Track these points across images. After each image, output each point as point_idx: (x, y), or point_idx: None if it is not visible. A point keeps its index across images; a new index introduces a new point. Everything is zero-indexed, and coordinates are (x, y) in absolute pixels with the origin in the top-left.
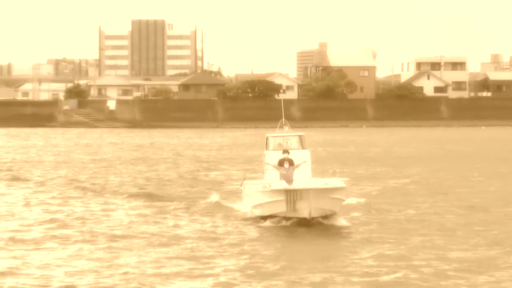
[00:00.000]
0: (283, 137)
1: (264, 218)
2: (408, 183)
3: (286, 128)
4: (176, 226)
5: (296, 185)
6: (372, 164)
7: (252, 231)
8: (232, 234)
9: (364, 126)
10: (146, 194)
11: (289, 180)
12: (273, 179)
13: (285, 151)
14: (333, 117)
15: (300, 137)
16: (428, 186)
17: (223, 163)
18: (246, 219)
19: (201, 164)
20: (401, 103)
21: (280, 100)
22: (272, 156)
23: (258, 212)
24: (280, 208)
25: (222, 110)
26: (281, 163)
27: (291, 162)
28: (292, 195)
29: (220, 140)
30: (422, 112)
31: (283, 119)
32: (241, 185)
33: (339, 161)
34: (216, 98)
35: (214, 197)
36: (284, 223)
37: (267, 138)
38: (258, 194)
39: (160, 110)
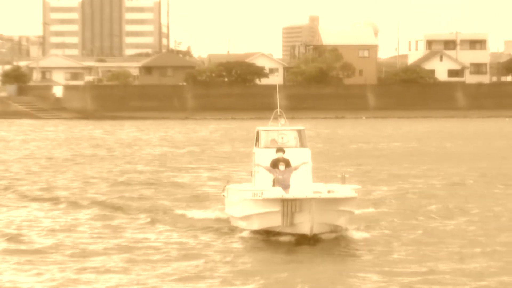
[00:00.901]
0: (277, 132)
1: (254, 232)
2: (435, 187)
3: (282, 121)
4: (146, 240)
5: (295, 193)
6: (392, 164)
7: (240, 247)
8: (217, 251)
9: (364, 117)
10: (102, 203)
11: (285, 187)
12: (265, 185)
13: (280, 150)
14: (326, 106)
15: (299, 132)
16: (467, 191)
17: (195, 163)
18: (231, 233)
19: (166, 163)
20: (408, 90)
21: (263, 86)
22: (264, 156)
23: (246, 225)
24: (274, 222)
25: (192, 98)
26: (275, 164)
27: (287, 164)
28: (289, 206)
29: (190, 133)
30: (434, 101)
31: (278, 108)
32: (223, 190)
33: (347, 160)
34: (184, 84)
35: (191, 205)
36: (279, 238)
37: (257, 133)
38: (246, 203)
39: (116, 97)
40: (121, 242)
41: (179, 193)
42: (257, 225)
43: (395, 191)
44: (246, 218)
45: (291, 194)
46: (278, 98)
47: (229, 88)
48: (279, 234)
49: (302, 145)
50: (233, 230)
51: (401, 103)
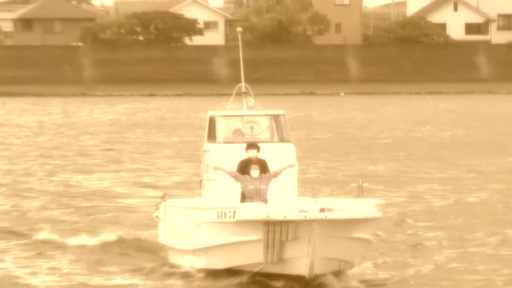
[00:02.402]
0: (243, 118)
1: (215, 274)
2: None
3: (251, 101)
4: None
5: (287, 212)
6: (397, 159)
7: None
8: None
9: (342, 93)
10: None
11: (262, 201)
12: (228, 200)
13: (253, 146)
14: (288, 77)
15: (277, 118)
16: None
17: (101, 165)
18: (174, 276)
19: (52, 161)
20: (407, 54)
21: (196, 47)
22: (224, 155)
23: (204, 262)
24: (252, 257)
25: (92, 66)
26: (244, 168)
27: (263, 167)
28: (278, 232)
29: (88, 117)
30: (445, 69)
31: (243, 83)
32: (157, 208)
33: (340, 155)
34: (80, 44)
35: (100, 230)
36: (258, 283)
37: (211, 120)
38: (206, 228)
39: None
40: None
41: (76, 211)
42: (223, 262)
43: (426, 203)
44: (203, 251)
45: (281, 212)
46: (242, 68)
47: (146, 51)
48: (259, 276)
49: (282, 138)
50: (176, 271)
51: (397, 72)
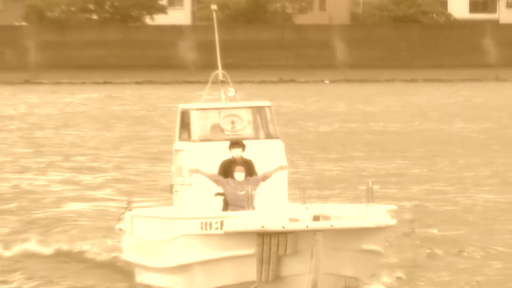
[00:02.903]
0: (220, 112)
1: None
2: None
3: (230, 91)
4: None
5: (286, 221)
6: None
7: None
8: None
9: (327, 81)
10: None
11: (247, 209)
12: (208, 207)
13: (237, 144)
14: (265, 62)
15: (262, 111)
16: None
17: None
18: None
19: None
20: (403, 35)
21: (158, 28)
22: (202, 155)
23: (186, 281)
24: (244, 275)
25: (37, 49)
26: (227, 169)
27: (249, 169)
28: (274, 246)
29: (33, 108)
30: (446, 53)
31: (220, 69)
32: (121, 219)
33: (326, 152)
34: (24, 24)
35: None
36: None
37: (183, 114)
38: (186, 242)
39: None
40: None
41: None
42: (207, 282)
43: (437, 205)
44: (182, 269)
45: (278, 222)
46: (218, 52)
47: (100, 32)
48: None
49: (269, 134)
50: None
51: (391, 57)
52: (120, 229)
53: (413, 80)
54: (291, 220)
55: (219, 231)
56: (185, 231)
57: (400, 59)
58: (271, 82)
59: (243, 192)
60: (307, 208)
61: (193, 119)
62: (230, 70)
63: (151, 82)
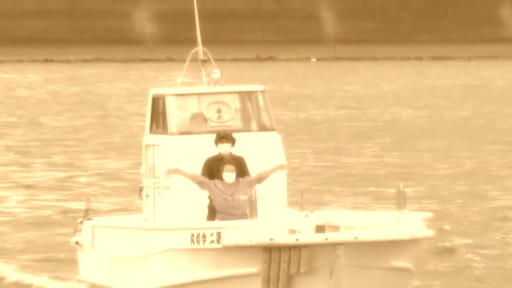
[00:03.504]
0: (206, 98)
1: None
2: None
3: (215, 72)
4: None
5: (301, 234)
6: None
7: None
8: None
9: (313, 59)
10: None
11: (238, 218)
12: (189, 215)
13: (225, 138)
14: (239, 36)
15: (254, 97)
16: None
17: None
18: None
19: None
20: (403, 4)
21: None
22: (181, 152)
23: None
24: None
25: None
26: (213, 169)
27: (241, 168)
28: (284, 262)
29: None
30: (456, 25)
31: (200, 46)
32: (77, 231)
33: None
34: None
35: None
36: None
37: (156, 101)
38: (172, 258)
39: None
40: None
41: None
42: None
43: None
44: None
45: (291, 234)
46: (197, 22)
47: (39, 0)
48: None
49: (264, 125)
50: None
51: (390, 30)
52: (77, 243)
53: (417, 58)
54: (290, 232)
55: (215, 245)
56: (170, 245)
57: (400, 33)
58: (246, 60)
59: (226, 197)
60: (306, 216)
61: (170, 107)
62: (194, 46)
63: (100, 60)
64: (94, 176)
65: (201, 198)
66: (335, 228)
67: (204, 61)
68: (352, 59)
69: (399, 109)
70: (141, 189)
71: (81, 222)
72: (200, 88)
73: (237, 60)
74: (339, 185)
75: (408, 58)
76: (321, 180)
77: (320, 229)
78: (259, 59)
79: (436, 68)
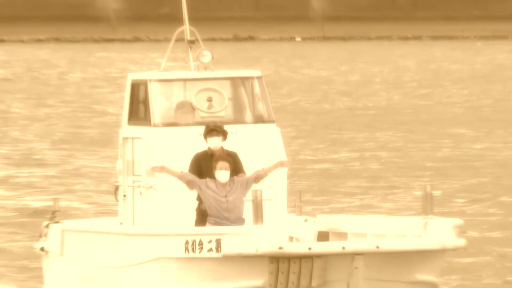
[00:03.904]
0: (194, 85)
1: None
2: None
3: (205, 55)
4: None
5: (315, 243)
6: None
7: None
8: None
9: (298, 38)
10: None
11: (232, 222)
12: (183, 219)
13: (216, 130)
14: (214, 13)
15: (249, 83)
16: None
17: None
18: None
19: None
20: None
21: None
22: (165, 146)
23: None
24: None
25: None
26: (203, 166)
27: (234, 165)
28: (294, 273)
29: None
30: (459, 0)
31: (187, 24)
32: (42, 236)
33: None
34: None
35: None
36: None
37: (136, 87)
38: (162, 268)
39: None
40: None
41: None
42: None
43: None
44: None
45: (305, 243)
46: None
47: None
48: None
49: (261, 116)
50: None
51: (384, 6)
52: (42, 249)
53: (415, 37)
54: (289, 239)
55: (214, 254)
56: (159, 254)
57: (397, 9)
58: (223, 39)
59: (219, 198)
60: (306, 220)
61: (153, 94)
62: (166, 24)
63: (57, 40)
64: (60, 173)
65: (189, 200)
66: (341, 235)
67: (191, 41)
68: (342, 38)
69: (398, 92)
70: (116, 188)
71: (47, 226)
72: (187, 73)
73: (212, 39)
74: (348, 182)
75: (406, 38)
76: (323, 177)
77: (322, 236)
78: (237, 38)
79: (437, 49)
